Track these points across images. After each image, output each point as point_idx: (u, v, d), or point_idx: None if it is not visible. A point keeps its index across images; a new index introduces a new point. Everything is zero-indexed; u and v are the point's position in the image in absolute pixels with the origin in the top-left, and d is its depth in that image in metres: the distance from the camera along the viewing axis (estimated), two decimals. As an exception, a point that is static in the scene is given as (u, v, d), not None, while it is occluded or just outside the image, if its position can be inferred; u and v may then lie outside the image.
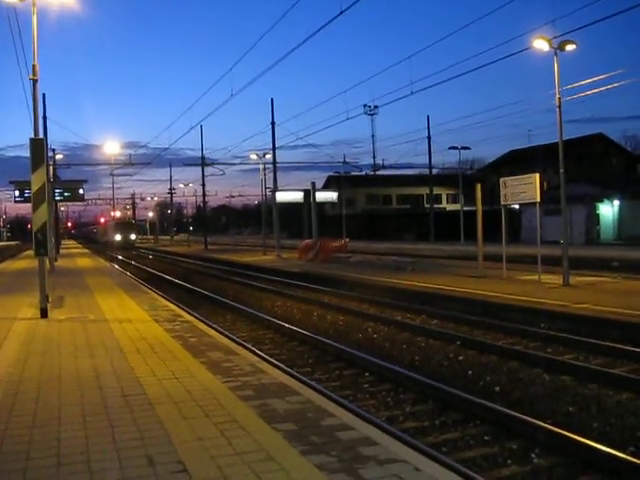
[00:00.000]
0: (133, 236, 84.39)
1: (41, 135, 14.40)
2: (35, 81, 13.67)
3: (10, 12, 15.51)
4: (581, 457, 6.21)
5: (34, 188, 12.77)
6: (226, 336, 11.61)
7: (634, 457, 5.98)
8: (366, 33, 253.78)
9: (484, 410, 7.64)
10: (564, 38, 17.89)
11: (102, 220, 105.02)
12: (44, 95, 37.84)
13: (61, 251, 48.63)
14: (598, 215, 45.70)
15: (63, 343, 10.14)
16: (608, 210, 46.10)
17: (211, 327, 12.55)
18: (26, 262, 36.81)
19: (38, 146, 13.04)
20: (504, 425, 7.22)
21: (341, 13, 17.09)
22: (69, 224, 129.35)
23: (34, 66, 13.59)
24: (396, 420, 7.71)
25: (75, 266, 33.66)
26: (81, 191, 29.40)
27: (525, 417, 7.16)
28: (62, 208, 67.93)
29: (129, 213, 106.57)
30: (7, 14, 15.44)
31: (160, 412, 5.99)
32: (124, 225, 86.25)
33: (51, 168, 31.07)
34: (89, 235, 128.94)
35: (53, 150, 40.54)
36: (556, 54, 18.02)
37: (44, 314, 13.05)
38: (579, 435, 6.53)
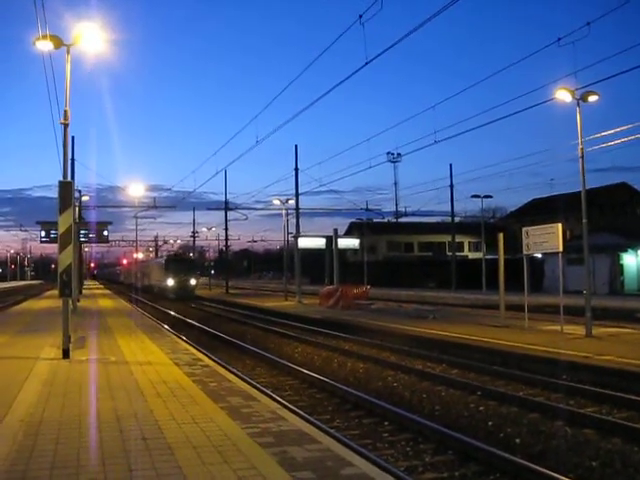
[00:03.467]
0: (193, 281, 55.70)
1: (69, 178, 14.65)
2: (66, 125, 14.01)
3: (45, 58, 15.91)
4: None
5: (61, 230, 12.96)
6: (246, 381, 11.61)
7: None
8: (390, 82, 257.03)
9: (505, 462, 7.55)
10: (587, 89, 18.03)
11: (125, 261, 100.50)
12: (73, 138, 38.49)
13: (83, 291, 48.97)
14: (622, 265, 45.19)
15: (84, 384, 10.20)
16: (632, 260, 45.61)
17: (231, 372, 12.56)
18: (49, 302, 37.16)
19: (67, 189, 13.28)
20: (525, 478, 7.11)
21: (366, 64, 17.33)
22: (92, 264, 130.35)
23: (66, 111, 13.94)
24: (415, 470, 7.63)
25: (97, 307, 33.88)
26: (105, 232, 29.78)
27: (546, 471, 7.06)
28: (85, 249, 68.60)
29: (151, 255, 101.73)
30: (42, 60, 15.72)
31: (179, 457, 6.00)
32: (180, 263, 57.05)
33: (77, 209, 31.49)
34: (111, 276, 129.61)
35: (79, 191, 41.11)
36: (579, 105, 18.13)
37: (66, 355, 13.13)
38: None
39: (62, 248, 12.96)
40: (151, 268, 65.79)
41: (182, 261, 58.73)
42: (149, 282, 63.57)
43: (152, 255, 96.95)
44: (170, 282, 53.91)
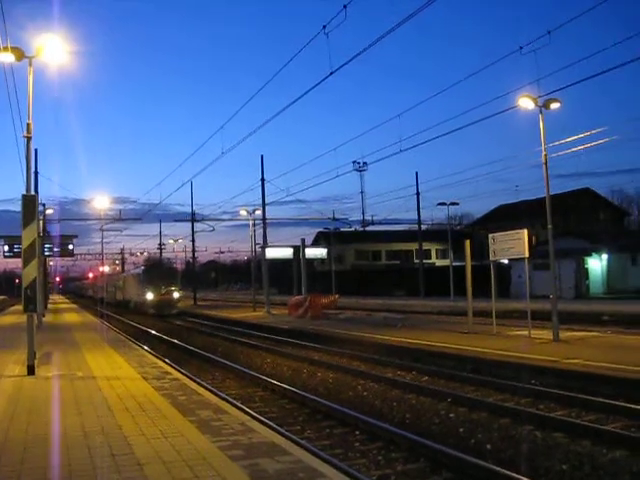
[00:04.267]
0: (176, 294, 47.94)
1: (33, 191, 14.43)
2: (29, 139, 13.79)
3: (6, 70, 15.65)
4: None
5: (25, 244, 12.75)
6: (215, 394, 11.51)
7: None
8: (355, 91, 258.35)
9: (476, 469, 7.56)
10: (549, 96, 18.26)
11: (93, 274, 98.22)
12: (36, 151, 37.90)
13: (49, 306, 48.25)
14: (587, 269, 45.81)
15: (50, 401, 10.02)
16: (597, 264, 46.27)
17: (200, 385, 12.46)
18: (13, 317, 36.56)
19: (30, 202, 13.08)
20: (497, 484, 7.13)
21: (331, 74, 17.39)
22: (57, 279, 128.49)
23: (28, 124, 13.72)
24: (387, 479, 7.61)
25: (63, 321, 33.43)
26: (71, 246, 29.42)
27: (518, 476, 7.08)
28: (50, 262, 67.45)
29: (118, 268, 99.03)
30: (4, 72, 15.46)
31: (149, 473, 5.91)
32: (161, 274, 49.18)
33: (41, 223, 31.10)
34: (77, 290, 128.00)
35: (43, 205, 40.54)
36: (541, 112, 18.37)
37: (31, 371, 12.90)
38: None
39: (26, 263, 12.75)
40: (126, 280, 58.63)
41: (162, 271, 50.26)
42: (123, 296, 57.75)
43: (118, 268, 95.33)
44: (149, 296, 46.68)
